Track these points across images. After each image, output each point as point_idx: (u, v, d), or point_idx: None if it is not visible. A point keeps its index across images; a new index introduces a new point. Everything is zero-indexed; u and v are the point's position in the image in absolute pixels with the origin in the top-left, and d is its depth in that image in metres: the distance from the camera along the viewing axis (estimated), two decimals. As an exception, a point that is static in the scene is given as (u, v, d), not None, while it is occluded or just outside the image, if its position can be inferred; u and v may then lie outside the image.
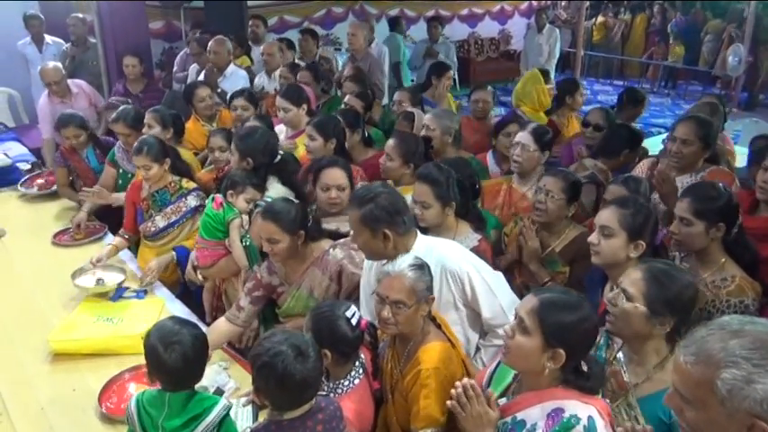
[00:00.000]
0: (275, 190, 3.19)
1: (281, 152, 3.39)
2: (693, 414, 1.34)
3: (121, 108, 4.09)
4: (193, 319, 2.80)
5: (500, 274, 2.51)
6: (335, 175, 3.02)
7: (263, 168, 3.23)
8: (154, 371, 1.88)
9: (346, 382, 2.11)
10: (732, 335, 1.27)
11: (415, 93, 4.88)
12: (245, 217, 3.08)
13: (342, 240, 2.75)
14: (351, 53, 6.29)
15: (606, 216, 2.36)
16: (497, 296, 2.37)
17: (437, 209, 2.65)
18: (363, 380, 2.15)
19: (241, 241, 3.06)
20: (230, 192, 3.08)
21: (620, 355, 1.99)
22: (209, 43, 5.49)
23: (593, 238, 2.37)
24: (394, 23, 8.61)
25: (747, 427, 1.24)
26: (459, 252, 2.46)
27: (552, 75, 7.38)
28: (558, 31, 8.34)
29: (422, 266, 2.11)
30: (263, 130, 3.50)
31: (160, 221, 3.47)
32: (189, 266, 3.27)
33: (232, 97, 4.52)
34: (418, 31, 11.30)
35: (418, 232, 2.47)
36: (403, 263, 2.11)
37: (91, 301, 3.07)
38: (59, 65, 5.25)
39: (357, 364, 2.16)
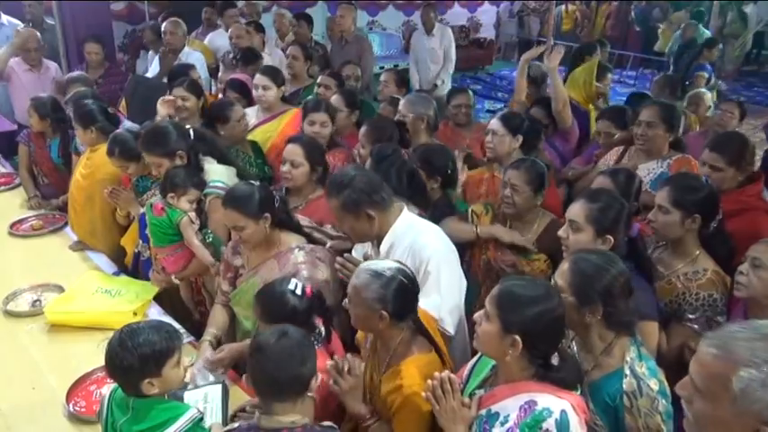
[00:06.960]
0: (217, 174, 3.04)
1: (188, 126, 3.16)
2: (701, 406, 1.31)
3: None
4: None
5: (463, 281, 2.48)
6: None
7: (194, 154, 3.02)
8: (107, 369, 1.83)
9: None
10: (762, 337, 1.26)
11: (401, 75, 4.55)
12: (193, 214, 2.93)
13: (312, 246, 2.64)
14: (338, 36, 6.05)
15: (575, 210, 2.34)
16: (442, 295, 2.31)
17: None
18: (322, 349, 2.17)
19: (204, 238, 2.92)
20: (171, 195, 2.89)
21: (572, 344, 2.03)
22: (164, 24, 5.32)
23: (562, 231, 2.38)
24: None
25: (752, 430, 1.23)
26: (437, 237, 2.44)
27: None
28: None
29: (379, 275, 1.97)
30: (167, 121, 3.31)
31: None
32: (154, 275, 3.11)
33: (171, 86, 3.96)
34: (388, 18, 11.26)
35: (404, 207, 2.46)
36: (376, 263, 2.05)
37: (91, 275, 3.14)
38: (36, 32, 5.15)
39: (315, 333, 2.17)
